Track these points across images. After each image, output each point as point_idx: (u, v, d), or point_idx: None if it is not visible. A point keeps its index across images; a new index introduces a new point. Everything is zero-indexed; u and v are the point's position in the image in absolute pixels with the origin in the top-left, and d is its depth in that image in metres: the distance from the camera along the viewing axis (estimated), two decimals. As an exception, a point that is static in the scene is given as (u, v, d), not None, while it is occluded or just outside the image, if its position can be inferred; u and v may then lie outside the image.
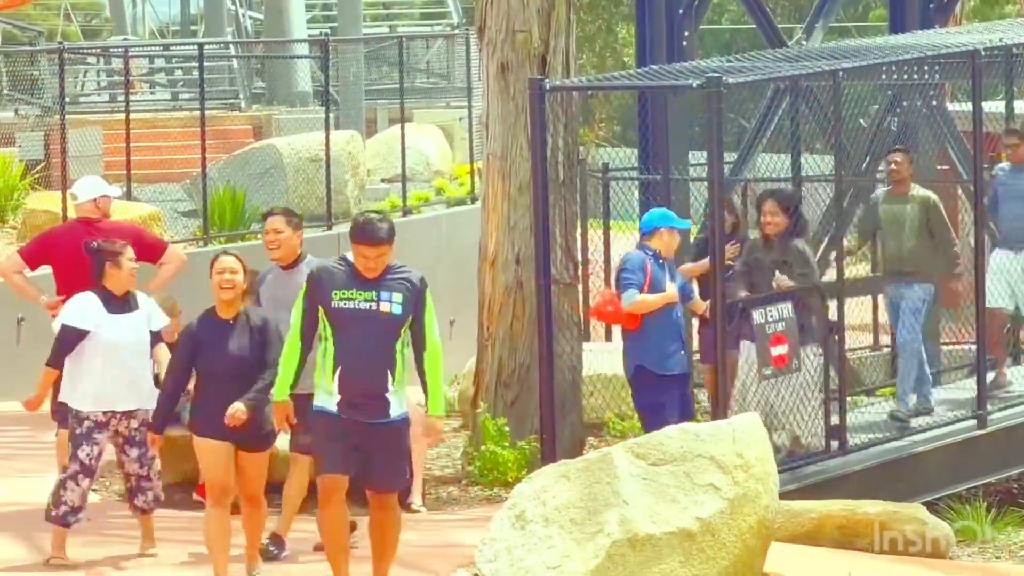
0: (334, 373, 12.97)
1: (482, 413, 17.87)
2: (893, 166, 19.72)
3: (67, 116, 31.63)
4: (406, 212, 34.23)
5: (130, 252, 14.90)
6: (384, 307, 12.90)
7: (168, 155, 35.57)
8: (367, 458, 12.95)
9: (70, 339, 14.71)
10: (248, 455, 14.15)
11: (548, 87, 17.14)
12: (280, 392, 13.33)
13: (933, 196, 19.66)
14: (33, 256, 17.06)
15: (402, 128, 36.08)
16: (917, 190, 19.65)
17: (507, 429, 17.60)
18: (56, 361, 14.79)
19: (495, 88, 18.21)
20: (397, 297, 12.92)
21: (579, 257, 19.36)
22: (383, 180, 36.54)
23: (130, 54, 40.35)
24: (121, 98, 38.22)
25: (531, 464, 16.74)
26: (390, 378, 12.93)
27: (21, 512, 16.70)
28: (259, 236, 31.96)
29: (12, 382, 20.88)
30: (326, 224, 31.60)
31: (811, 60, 19.57)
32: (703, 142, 18.25)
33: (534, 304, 17.19)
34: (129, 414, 14.78)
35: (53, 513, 14.70)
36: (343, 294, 13.01)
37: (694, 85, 16.85)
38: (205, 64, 34.67)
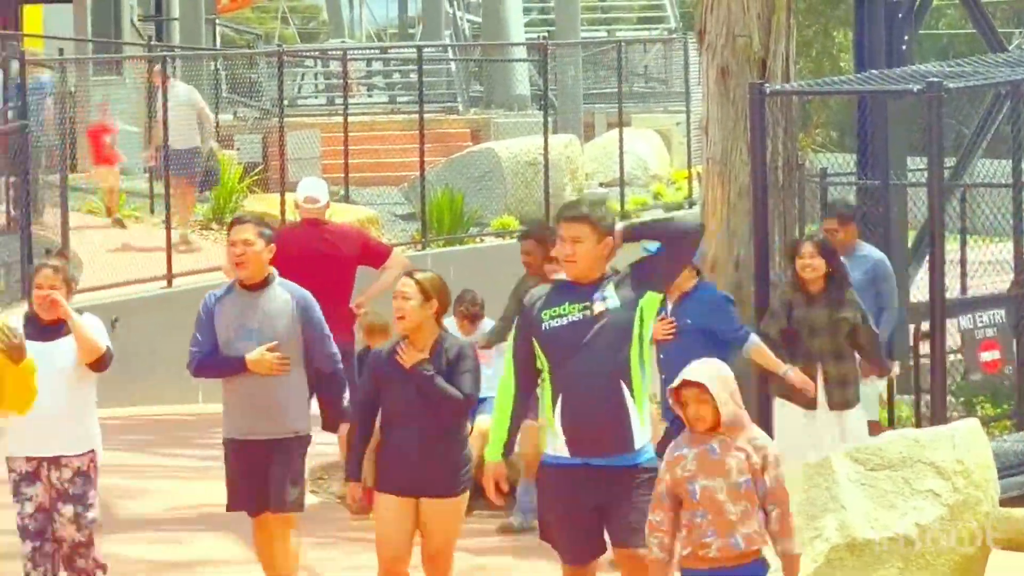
0: (553, 409, 10.92)
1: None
2: None
3: (285, 119, 32.01)
4: (624, 216, 34.29)
5: (40, 276, 12.51)
6: (598, 307, 10.81)
7: (385, 158, 35.81)
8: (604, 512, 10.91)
9: None
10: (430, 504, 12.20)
11: (768, 91, 17.13)
12: (493, 451, 11.09)
13: None
14: None
15: (620, 132, 36.17)
16: None
17: None
18: None
19: (715, 92, 18.17)
20: (610, 290, 10.87)
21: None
22: (601, 184, 36.64)
23: (348, 57, 40.70)
24: (338, 101, 38.70)
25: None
26: (629, 398, 10.82)
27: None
28: (478, 240, 32.41)
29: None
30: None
31: (1032, 65, 19.48)
32: (922, 147, 18.19)
33: (752, 308, 17.18)
34: (59, 463, 12.43)
35: None
36: (552, 312, 10.97)
37: (915, 90, 16.83)
38: (423, 67, 34.91)
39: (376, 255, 17.20)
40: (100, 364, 12.44)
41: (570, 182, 34.48)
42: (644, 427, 10.81)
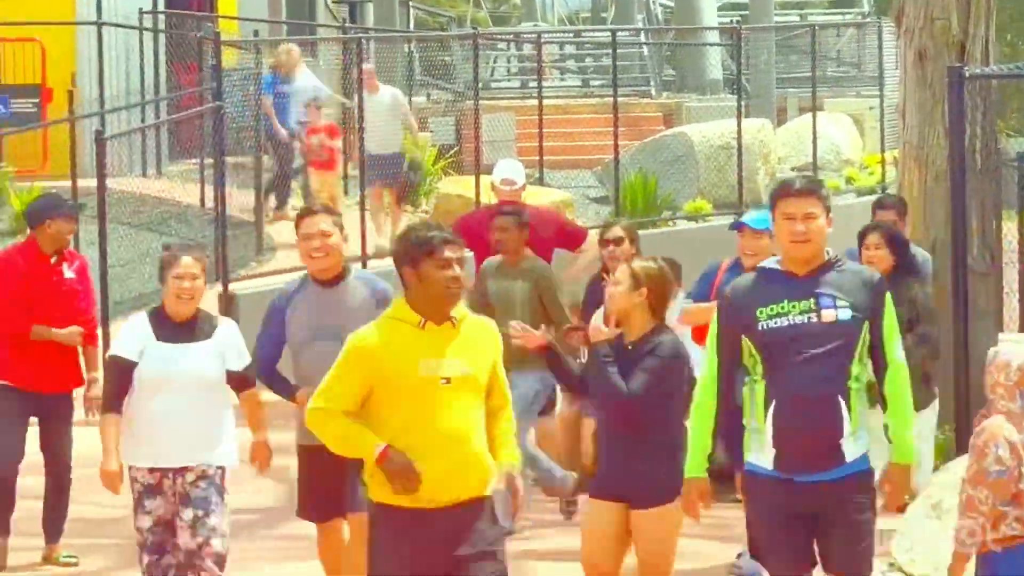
0: (765, 415, 9.95)
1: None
2: None
3: (480, 101, 32.17)
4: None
5: (184, 264, 11.72)
6: (827, 315, 9.81)
7: (579, 141, 35.89)
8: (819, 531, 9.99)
9: (117, 373, 11.69)
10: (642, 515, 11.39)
11: (967, 75, 16.98)
12: (696, 466, 10.13)
13: None
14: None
15: (813, 117, 36.04)
16: None
17: None
18: (110, 404, 11.72)
19: (912, 76, 18.18)
20: (844, 300, 9.85)
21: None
22: (793, 169, 36.56)
23: (542, 40, 40.80)
24: (532, 84, 38.72)
25: (947, 454, 16.60)
26: (845, 414, 9.88)
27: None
28: (671, 223, 32.46)
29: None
30: (736, 212, 31.60)
31: None
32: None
33: (949, 293, 17.14)
34: (183, 469, 11.59)
35: None
36: (770, 311, 9.98)
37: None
38: (616, 51, 34.95)
39: (573, 238, 17.25)
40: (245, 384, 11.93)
41: (763, 166, 34.43)
42: (857, 439, 9.86)
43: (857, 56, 44.31)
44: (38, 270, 14.81)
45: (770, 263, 10.19)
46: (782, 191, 10.11)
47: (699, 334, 13.73)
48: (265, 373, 12.12)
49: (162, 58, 34.12)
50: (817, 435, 9.80)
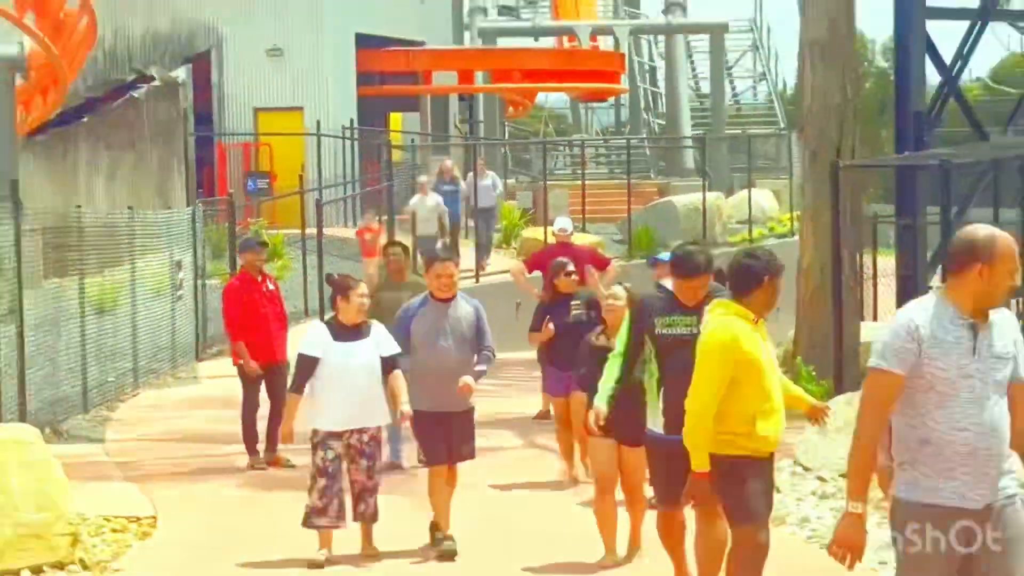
0: (658, 395, 8.74)
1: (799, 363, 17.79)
2: None
3: (547, 182, 32.45)
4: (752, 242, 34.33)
5: (361, 288, 10.85)
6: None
7: (606, 206, 35.94)
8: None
9: (304, 366, 10.71)
10: (629, 450, 9.92)
11: (841, 166, 16.80)
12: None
13: None
14: (531, 265, 17.39)
15: (749, 191, 35.95)
16: None
17: (814, 374, 17.01)
18: (296, 387, 10.76)
19: (809, 166, 17.77)
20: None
21: None
22: (737, 223, 36.51)
23: (584, 145, 40.79)
24: (577, 171, 38.86)
25: (827, 396, 16.52)
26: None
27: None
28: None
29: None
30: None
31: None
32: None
33: (830, 299, 17.11)
34: (361, 430, 10.67)
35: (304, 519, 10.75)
36: (666, 320, 8.73)
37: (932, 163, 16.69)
38: (630, 151, 35.05)
39: (602, 263, 17.36)
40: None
41: (718, 221, 34.41)
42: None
43: (776, 154, 44.25)
44: (249, 286, 14.46)
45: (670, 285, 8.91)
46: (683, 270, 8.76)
47: None
48: None
49: (357, 155, 34.40)
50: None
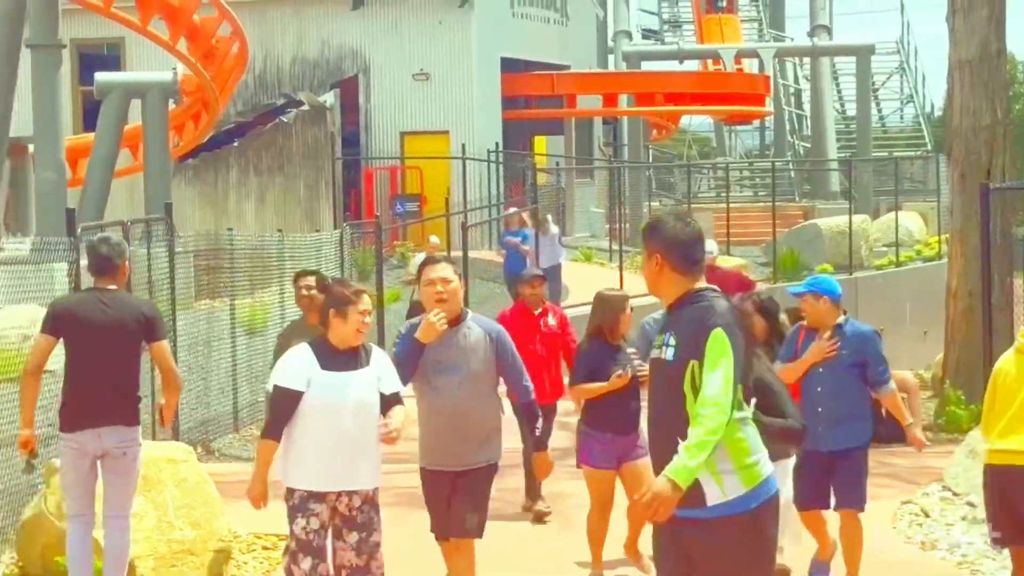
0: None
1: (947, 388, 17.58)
2: None
3: (692, 206, 32.31)
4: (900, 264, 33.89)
5: (364, 304, 7.88)
6: (654, 353, 6.16)
7: (750, 228, 35.73)
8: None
9: (282, 402, 7.78)
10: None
11: (991, 188, 16.49)
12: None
13: None
14: None
15: (896, 214, 35.56)
16: None
17: (963, 397, 16.96)
18: (271, 431, 7.82)
19: (957, 189, 17.64)
20: (672, 339, 6.05)
21: None
22: (884, 246, 36.09)
23: (728, 168, 40.52)
24: (722, 194, 38.63)
25: (976, 419, 16.22)
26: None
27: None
28: (802, 275, 32.15)
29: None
30: (848, 274, 31.39)
31: None
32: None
33: (980, 322, 16.83)
34: (352, 493, 7.83)
35: None
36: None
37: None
38: (775, 174, 34.84)
39: (747, 286, 17.20)
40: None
41: (864, 244, 34.01)
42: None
43: (924, 176, 43.71)
44: (523, 321, 12.19)
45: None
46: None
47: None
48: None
49: (501, 178, 34.57)
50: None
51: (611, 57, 46.65)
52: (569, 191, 34.48)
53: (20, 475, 10.22)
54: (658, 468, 6.02)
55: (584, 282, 25.81)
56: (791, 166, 46.07)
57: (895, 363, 16.35)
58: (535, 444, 8.53)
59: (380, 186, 35.58)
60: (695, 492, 5.91)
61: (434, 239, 25.00)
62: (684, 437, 5.86)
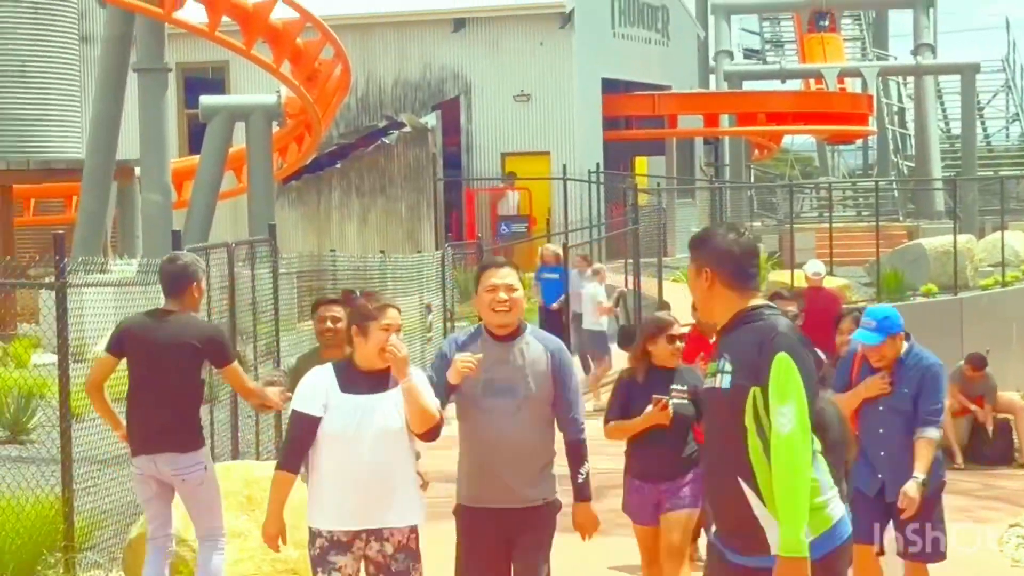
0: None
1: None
2: None
3: (793, 225, 32.15)
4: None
5: (389, 318, 6.83)
6: (708, 382, 5.53)
7: (854, 248, 35.45)
8: None
9: (298, 428, 6.83)
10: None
11: None
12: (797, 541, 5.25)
13: None
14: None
15: (1002, 233, 35.10)
16: None
17: None
18: (288, 462, 6.86)
19: None
20: (728, 364, 5.42)
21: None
22: (989, 266, 35.60)
23: (831, 188, 40.28)
24: (825, 214, 38.36)
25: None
26: (749, 492, 5.34)
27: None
28: (911, 300, 32.06)
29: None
30: (952, 294, 31.06)
31: None
32: None
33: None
34: (380, 533, 6.82)
35: None
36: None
37: None
38: (878, 193, 34.54)
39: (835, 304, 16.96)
40: (432, 434, 6.85)
41: (968, 264, 33.57)
42: None
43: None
44: (697, 347, 10.80)
45: None
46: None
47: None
48: None
49: (602, 198, 34.55)
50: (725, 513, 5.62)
51: (712, 77, 46.54)
52: (670, 212, 34.36)
53: (127, 495, 10.34)
54: (717, 514, 5.39)
55: (687, 305, 25.73)
56: (895, 185, 45.67)
57: (1001, 384, 16.23)
58: (577, 494, 7.09)
59: (481, 207, 35.70)
60: (756, 536, 5.25)
61: (550, 247, 23.30)
62: (746, 477, 5.23)
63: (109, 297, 11.83)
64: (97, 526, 10.21)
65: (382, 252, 21.46)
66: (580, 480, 7.05)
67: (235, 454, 12.61)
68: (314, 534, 6.86)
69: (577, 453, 7.06)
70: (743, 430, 5.27)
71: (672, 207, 35.69)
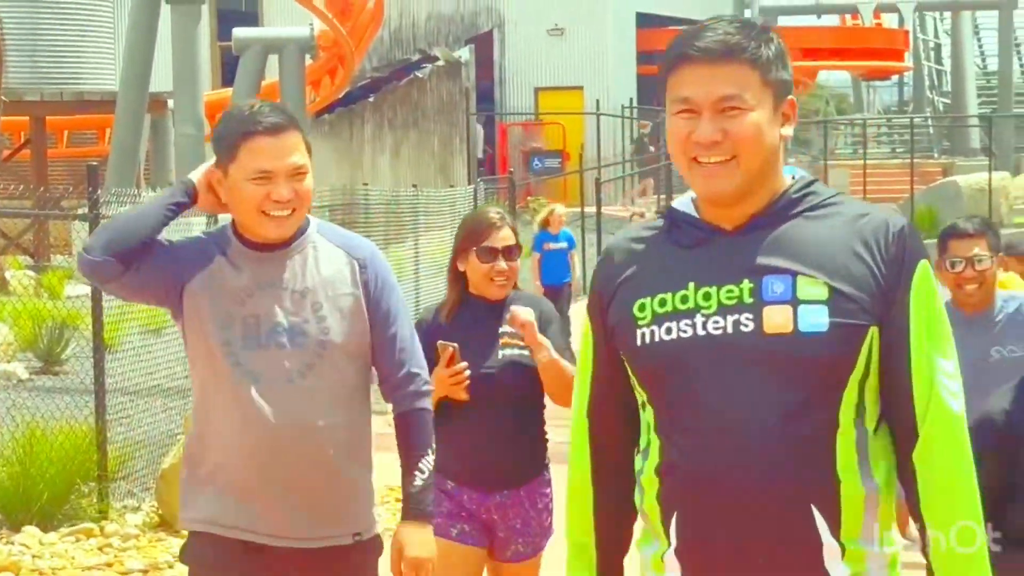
0: (659, 499, 2.78)
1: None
2: None
3: (828, 162, 31.99)
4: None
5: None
6: (774, 315, 2.61)
7: (888, 186, 35.29)
8: None
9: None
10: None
11: None
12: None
13: None
14: None
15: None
16: None
17: None
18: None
19: None
20: (807, 283, 2.62)
21: None
22: (1025, 204, 35.49)
23: (866, 124, 40.05)
24: (859, 151, 38.17)
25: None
26: (818, 516, 2.63)
27: None
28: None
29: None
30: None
31: None
32: None
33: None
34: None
35: None
36: (660, 301, 2.76)
37: None
38: (914, 130, 34.34)
39: None
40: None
41: (1004, 201, 33.37)
42: None
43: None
44: None
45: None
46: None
47: None
48: None
49: (636, 134, 34.44)
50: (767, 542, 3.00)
51: (748, 12, 46.21)
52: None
53: (159, 425, 10.37)
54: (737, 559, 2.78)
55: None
56: (930, 122, 45.36)
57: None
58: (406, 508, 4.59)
59: (514, 142, 35.62)
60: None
61: (559, 208, 17.92)
62: (825, 503, 2.71)
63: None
64: (129, 456, 10.29)
65: (415, 186, 21.43)
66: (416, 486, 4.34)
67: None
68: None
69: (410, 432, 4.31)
70: (833, 424, 2.73)
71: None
